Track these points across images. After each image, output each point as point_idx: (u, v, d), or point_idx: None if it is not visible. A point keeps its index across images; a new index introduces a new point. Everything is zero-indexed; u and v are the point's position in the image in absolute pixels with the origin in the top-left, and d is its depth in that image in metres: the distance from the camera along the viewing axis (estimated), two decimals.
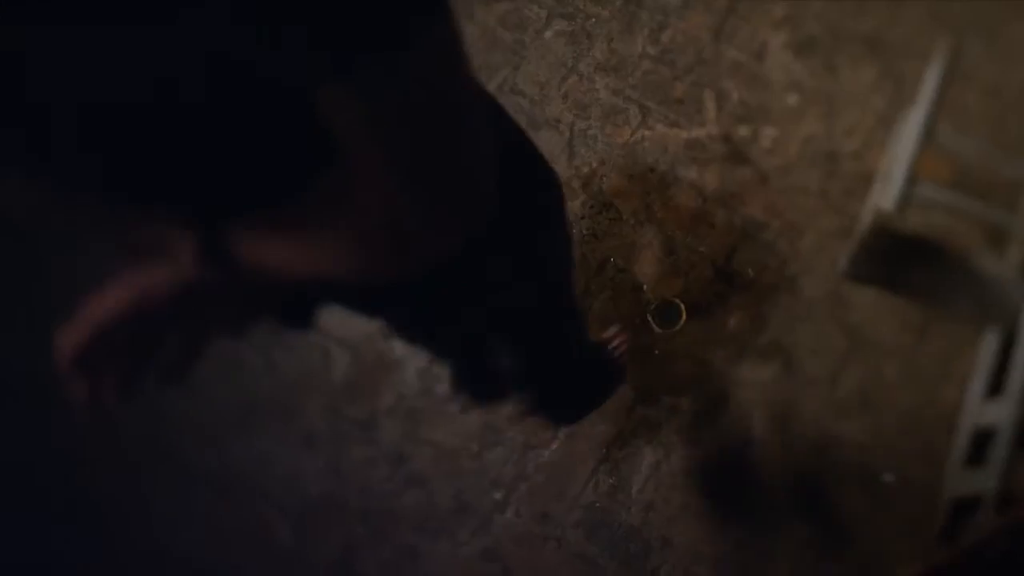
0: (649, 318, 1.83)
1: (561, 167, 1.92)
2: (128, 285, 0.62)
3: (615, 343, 1.76)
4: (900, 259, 1.70)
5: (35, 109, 0.52)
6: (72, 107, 0.52)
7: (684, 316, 1.82)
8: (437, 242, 0.61)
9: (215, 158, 0.59)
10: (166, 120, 0.55)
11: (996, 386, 1.69)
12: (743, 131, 1.92)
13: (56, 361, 0.59)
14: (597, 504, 1.75)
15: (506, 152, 0.64)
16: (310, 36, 0.46)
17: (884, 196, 1.64)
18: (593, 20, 2.03)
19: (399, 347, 1.86)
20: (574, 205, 1.90)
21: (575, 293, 1.37)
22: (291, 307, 0.79)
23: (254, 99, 0.54)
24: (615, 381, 1.70)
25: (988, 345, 1.73)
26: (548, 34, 2.05)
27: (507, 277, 0.95)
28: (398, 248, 0.60)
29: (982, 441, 1.65)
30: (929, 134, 1.63)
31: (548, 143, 1.94)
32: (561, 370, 1.54)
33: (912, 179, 1.62)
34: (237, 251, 0.63)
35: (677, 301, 1.83)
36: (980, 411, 1.67)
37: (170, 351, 0.66)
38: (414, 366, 1.85)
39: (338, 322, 1.88)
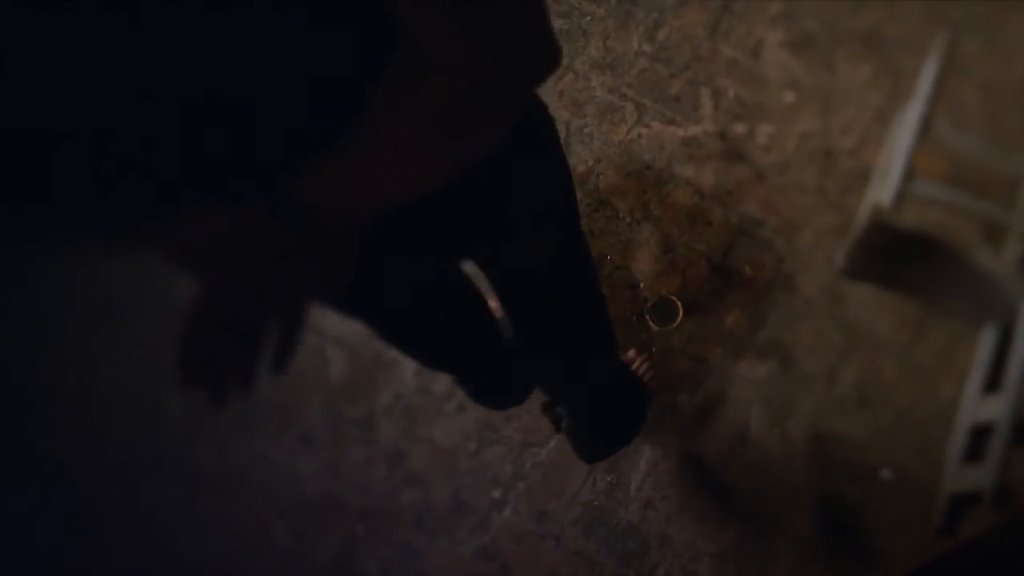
0: (646, 316, 1.83)
1: None
2: (215, 281, 0.61)
3: (638, 366, 1.72)
4: (897, 255, 1.70)
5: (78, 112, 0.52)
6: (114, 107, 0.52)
7: (681, 314, 1.82)
8: (520, 78, 0.60)
9: (266, 114, 0.59)
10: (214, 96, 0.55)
11: (994, 382, 1.68)
12: (739, 128, 1.91)
13: (176, 377, 0.60)
14: (595, 502, 1.75)
15: None
16: None
17: (881, 192, 1.64)
18: (588, 18, 2.03)
19: None
20: None
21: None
22: (366, 261, 0.78)
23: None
24: (645, 409, 1.67)
25: (986, 341, 1.73)
26: None
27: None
28: (485, 95, 0.58)
29: (980, 437, 1.65)
30: (926, 130, 1.63)
31: None
32: (595, 388, 1.52)
33: (909, 175, 1.61)
34: (313, 202, 0.61)
35: (674, 299, 1.83)
36: (978, 407, 1.67)
37: (275, 331, 0.65)
38: (411, 365, 1.85)
39: (335, 322, 1.87)
